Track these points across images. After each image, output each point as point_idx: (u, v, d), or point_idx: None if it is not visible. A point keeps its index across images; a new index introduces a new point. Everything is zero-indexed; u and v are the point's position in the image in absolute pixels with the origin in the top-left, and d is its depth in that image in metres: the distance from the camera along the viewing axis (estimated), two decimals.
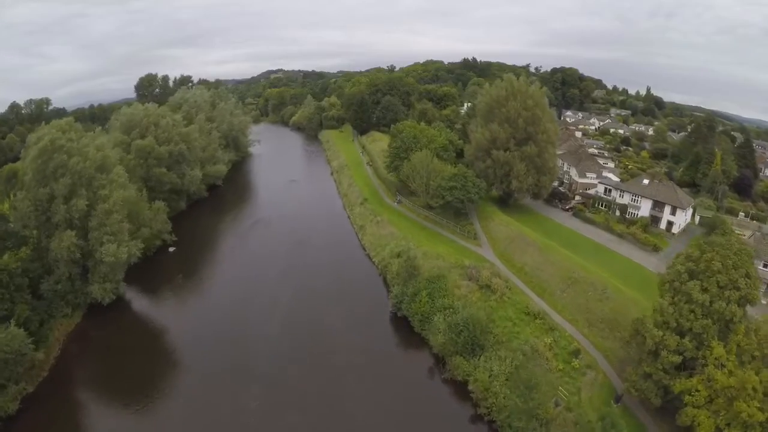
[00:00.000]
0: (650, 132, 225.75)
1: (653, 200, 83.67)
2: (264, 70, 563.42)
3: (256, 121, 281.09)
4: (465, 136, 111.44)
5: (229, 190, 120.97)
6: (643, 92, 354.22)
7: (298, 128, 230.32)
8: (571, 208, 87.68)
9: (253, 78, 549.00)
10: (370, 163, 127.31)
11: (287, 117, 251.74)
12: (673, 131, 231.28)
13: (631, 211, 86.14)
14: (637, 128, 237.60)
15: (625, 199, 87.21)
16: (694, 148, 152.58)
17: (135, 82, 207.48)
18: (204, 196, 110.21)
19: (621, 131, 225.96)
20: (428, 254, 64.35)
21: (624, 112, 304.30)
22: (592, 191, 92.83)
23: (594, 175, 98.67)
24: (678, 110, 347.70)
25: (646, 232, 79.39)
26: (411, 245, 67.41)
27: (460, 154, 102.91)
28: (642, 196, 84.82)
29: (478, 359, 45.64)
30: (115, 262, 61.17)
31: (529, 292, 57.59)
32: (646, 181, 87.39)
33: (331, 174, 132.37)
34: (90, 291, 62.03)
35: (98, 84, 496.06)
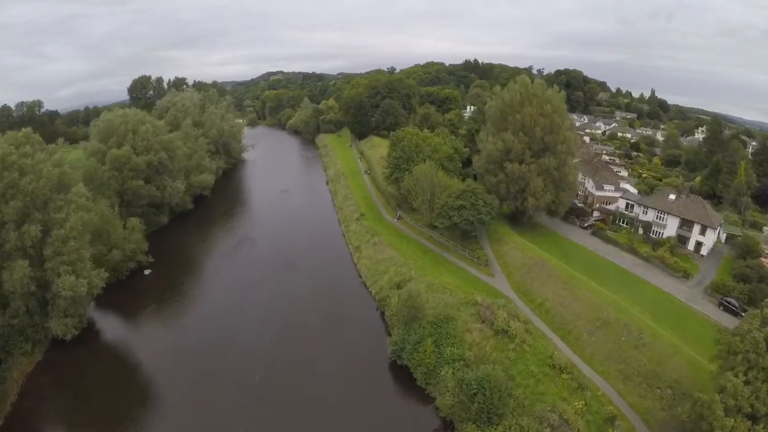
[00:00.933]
0: (658, 136, 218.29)
1: (681, 218, 75.66)
2: (264, 71, 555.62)
3: (253, 124, 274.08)
4: (471, 142, 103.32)
5: (217, 201, 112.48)
6: (644, 94, 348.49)
7: (295, 132, 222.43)
8: (590, 225, 79.39)
9: (252, 80, 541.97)
10: (368, 172, 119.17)
11: (284, 120, 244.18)
12: (681, 135, 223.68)
13: (656, 229, 78.03)
14: (644, 132, 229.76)
15: (650, 216, 79.02)
16: (713, 157, 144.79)
17: None
18: (189, 208, 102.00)
19: (628, 135, 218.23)
20: (433, 286, 55.84)
21: (629, 116, 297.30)
22: (612, 206, 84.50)
23: (612, 188, 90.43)
24: (681, 113, 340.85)
25: (674, 255, 71.33)
26: (413, 273, 59.16)
27: (465, 163, 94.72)
28: (669, 214, 76.72)
29: (495, 429, 37.43)
30: (73, 296, 53.32)
31: (552, 336, 49.31)
32: (672, 197, 79.20)
33: (327, 183, 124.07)
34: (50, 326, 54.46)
35: (99, 85, 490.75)
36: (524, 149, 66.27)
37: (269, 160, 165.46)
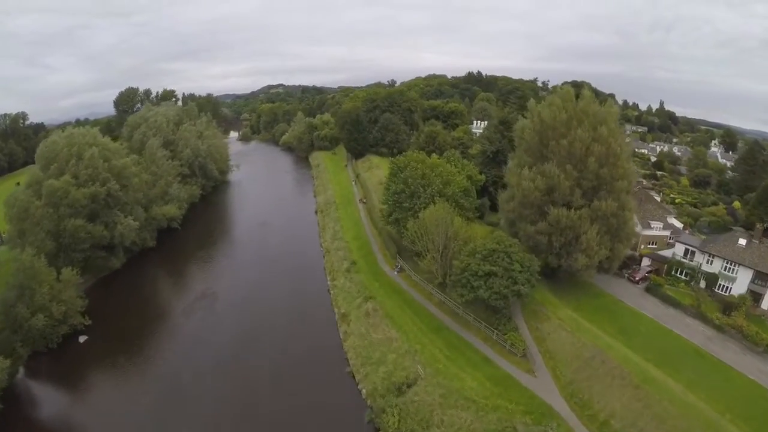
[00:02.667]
0: (675, 151, 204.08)
1: (755, 270, 59.58)
2: (265, 84, 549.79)
3: (247, 139, 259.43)
4: (485, 166, 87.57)
5: (186, 236, 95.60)
6: (646, 106, 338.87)
7: (289, 148, 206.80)
8: (642, 279, 62.89)
9: (252, 93, 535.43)
10: (364, 200, 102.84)
11: (278, 135, 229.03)
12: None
13: (723, 283, 61.90)
14: (659, 148, 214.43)
15: (716, 266, 62.84)
16: (749, 178, 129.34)
17: None
18: (150, 246, 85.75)
19: (645, 151, 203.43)
20: (450, 396, 38.82)
21: (640, 129, 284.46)
22: (667, 253, 68.13)
23: (660, 225, 74.25)
24: (690, 125, 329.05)
25: (750, 319, 55.22)
26: (420, 369, 42.45)
27: (479, 192, 78.60)
28: (740, 265, 60.59)
29: None
30: None
31: None
32: (742, 242, 63.03)
33: (316, 213, 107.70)
34: None
35: (102, 96, 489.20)
36: (573, 187, 49.13)
37: (256, 181, 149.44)
